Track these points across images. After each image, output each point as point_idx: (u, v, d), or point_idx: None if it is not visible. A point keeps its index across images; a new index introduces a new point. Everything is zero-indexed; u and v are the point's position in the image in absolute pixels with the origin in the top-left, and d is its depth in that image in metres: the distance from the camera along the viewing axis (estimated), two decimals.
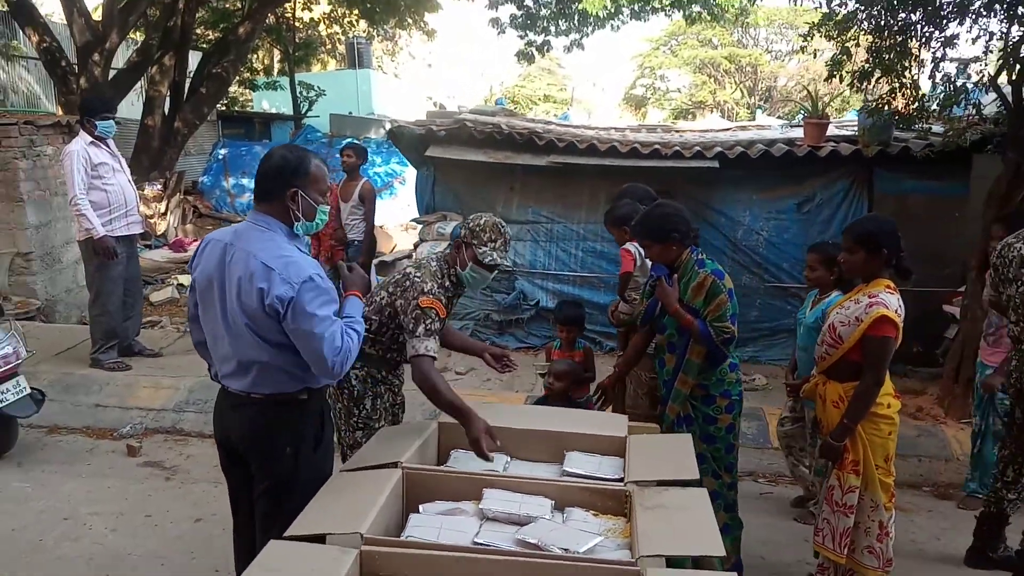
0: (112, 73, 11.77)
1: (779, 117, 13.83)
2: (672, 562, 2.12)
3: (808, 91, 6.51)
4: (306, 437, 2.58)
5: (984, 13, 4.52)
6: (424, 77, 32.42)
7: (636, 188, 4.25)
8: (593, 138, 6.62)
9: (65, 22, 11.10)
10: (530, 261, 6.73)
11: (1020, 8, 4.26)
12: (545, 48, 15.00)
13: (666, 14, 13.96)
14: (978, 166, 5.86)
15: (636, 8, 13.84)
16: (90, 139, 5.55)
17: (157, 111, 12.15)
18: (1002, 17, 4.62)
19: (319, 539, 2.15)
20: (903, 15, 4.72)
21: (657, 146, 6.38)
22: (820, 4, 5.23)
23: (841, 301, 3.24)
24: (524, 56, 15.14)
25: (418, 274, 3.02)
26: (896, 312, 2.99)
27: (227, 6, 17.19)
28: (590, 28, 14.50)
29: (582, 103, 35.23)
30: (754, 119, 15.40)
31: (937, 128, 5.89)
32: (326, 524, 2.21)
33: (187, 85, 12.78)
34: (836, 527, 3.16)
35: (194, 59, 13.75)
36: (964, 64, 4.97)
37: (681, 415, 3.38)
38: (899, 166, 6.02)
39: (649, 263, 3.64)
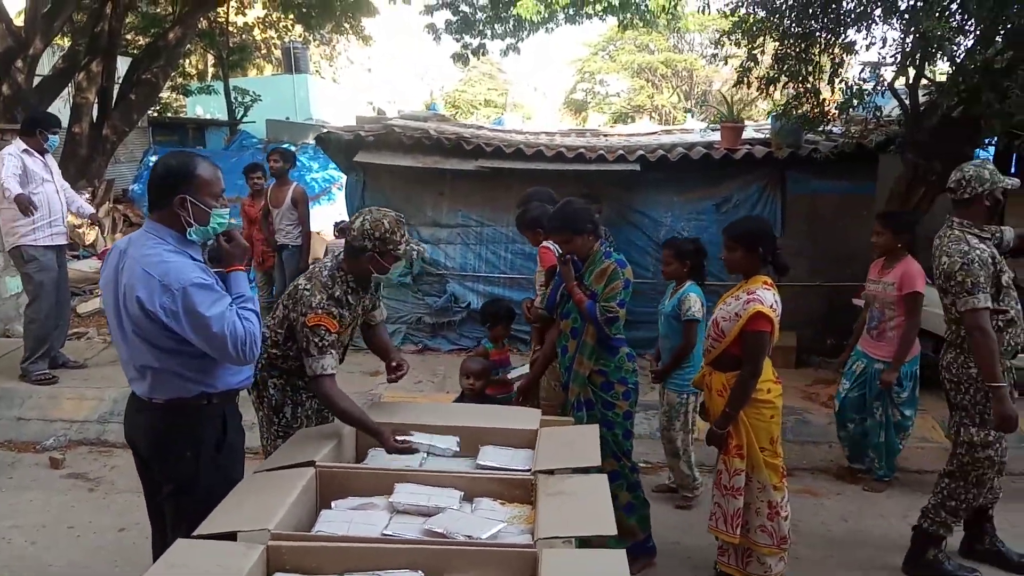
0: (37, 80, 11.48)
1: (711, 121, 14.26)
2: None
3: (724, 96, 6.75)
4: (206, 441, 2.62)
5: (878, 21, 4.78)
6: (365, 82, 32.26)
7: (541, 192, 4.40)
8: (520, 143, 6.76)
9: None
10: (460, 264, 6.83)
11: (915, 16, 4.49)
12: (481, 51, 15.23)
13: (600, 19, 14.29)
14: (883, 166, 6.18)
15: (570, 12, 14.16)
16: (23, 147, 5.55)
17: (84, 118, 11.88)
18: (898, 25, 4.90)
19: (230, 537, 2.21)
20: (807, 22, 4.96)
21: (582, 150, 6.56)
22: (729, 11, 5.45)
23: (724, 297, 3.45)
24: (460, 58, 15.34)
25: (307, 287, 2.99)
26: (771, 307, 3.20)
27: (158, 11, 16.89)
28: (525, 32, 14.77)
29: (522, 107, 35.56)
30: (683, 123, 15.79)
31: (840, 130, 6.19)
32: (235, 522, 2.26)
33: (116, 91, 12.54)
34: (727, 509, 3.35)
35: (124, 65, 13.48)
36: (875, 67, 5.23)
37: (582, 398, 3.56)
38: (810, 167, 6.31)
39: None
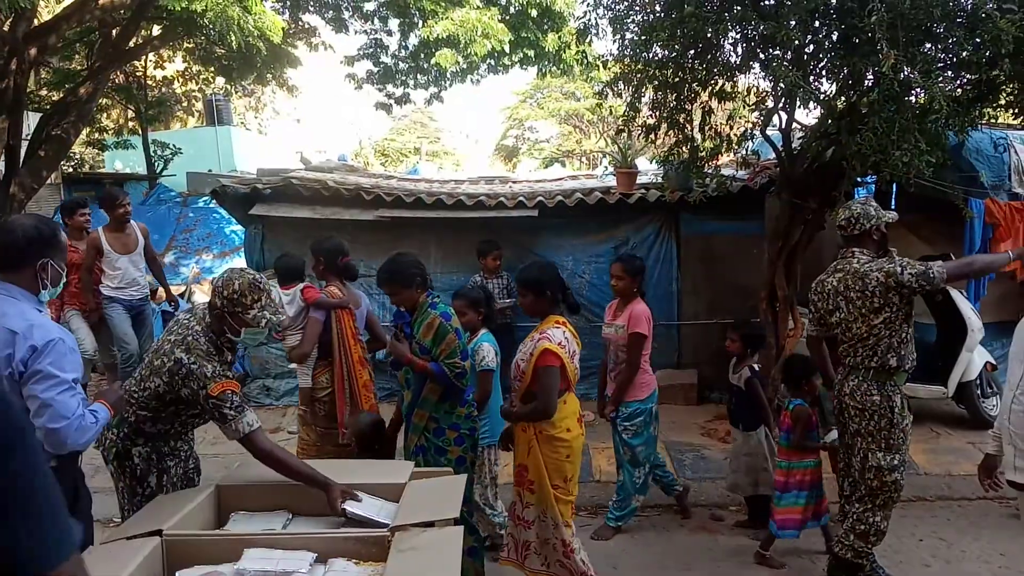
0: None
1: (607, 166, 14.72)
2: None
3: (616, 143, 6.97)
4: None
5: (742, 71, 5.02)
6: (294, 133, 32.15)
7: (327, 242, 4.50)
8: (423, 192, 6.81)
9: None
10: None
11: (783, 65, 4.69)
12: (404, 100, 15.44)
13: (522, 68, 14.66)
14: (770, 206, 6.42)
15: (492, 63, 14.51)
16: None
17: None
18: (764, 75, 5.14)
19: None
20: (681, 73, 5.17)
21: (482, 197, 6.64)
22: (612, 61, 5.64)
23: (525, 340, 3.57)
24: (383, 107, 15.54)
25: (192, 360, 2.84)
26: (559, 344, 3.35)
27: (71, 67, 16.59)
28: (447, 82, 15.06)
29: (453, 154, 35.88)
30: (593, 168, 16.24)
31: (728, 172, 6.42)
32: None
33: (24, 148, 12.22)
34: (518, 539, 3.50)
35: (35, 121, 13.20)
36: (764, 113, 5.44)
37: (417, 444, 3.65)
38: (702, 209, 6.49)
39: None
